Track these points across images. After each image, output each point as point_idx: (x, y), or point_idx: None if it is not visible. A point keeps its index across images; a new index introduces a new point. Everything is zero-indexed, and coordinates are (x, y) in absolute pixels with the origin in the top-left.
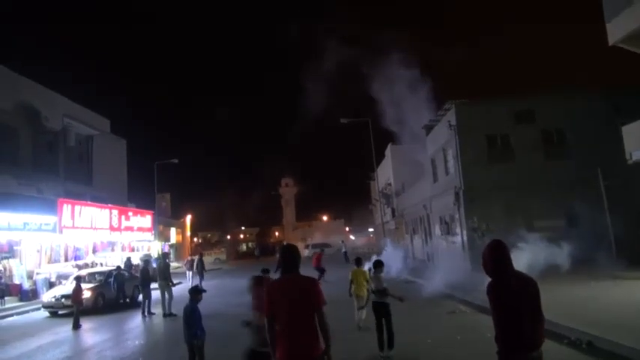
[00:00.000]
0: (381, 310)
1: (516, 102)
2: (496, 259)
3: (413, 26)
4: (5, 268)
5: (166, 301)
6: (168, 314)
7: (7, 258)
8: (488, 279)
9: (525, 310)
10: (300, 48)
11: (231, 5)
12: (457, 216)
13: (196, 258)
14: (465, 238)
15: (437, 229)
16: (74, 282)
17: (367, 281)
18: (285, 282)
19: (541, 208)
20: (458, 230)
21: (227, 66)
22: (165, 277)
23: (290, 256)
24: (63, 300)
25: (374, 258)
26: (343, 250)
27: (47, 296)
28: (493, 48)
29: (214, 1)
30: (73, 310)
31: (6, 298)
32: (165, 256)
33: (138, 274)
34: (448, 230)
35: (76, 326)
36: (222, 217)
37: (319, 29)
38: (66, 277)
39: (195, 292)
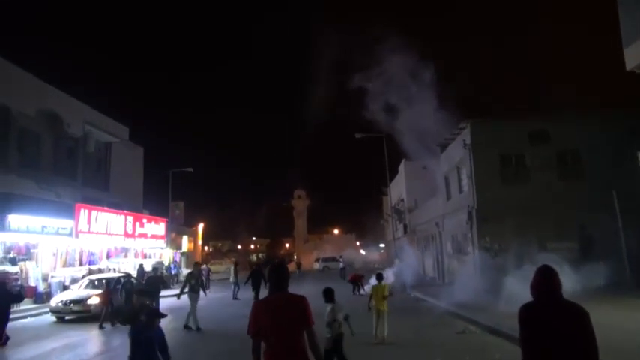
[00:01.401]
0: (336, 346)
1: (531, 122)
2: (542, 284)
3: (431, 42)
4: (22, 270)
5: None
6: (197, 328)
7: (24, 260)
8: (498, 300)
9: (564, 348)
10: (317, 60)
11: (246, 16)
12: (469, 235)
13: (232, 267)
14: (477, 257)
15: (448, 247)
16: (83, 286)
17: (385, 297)
18: (272, 300)
19: (554, 230)
20: (470, 249)
21: (242, 77)
22: (196, 288)
23: (278, 274)
24: (71, 305)
25: (394, 266)
26: (341, 265)
27: (55, 301)
28: (509, 66)
29: (227, 14)
30: (82, 315)
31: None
32: (196, 265)
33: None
34: (460, 249)
35: (113, 324)
36: (233, 227)
37: (336, 40)
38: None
39: (151, 315)
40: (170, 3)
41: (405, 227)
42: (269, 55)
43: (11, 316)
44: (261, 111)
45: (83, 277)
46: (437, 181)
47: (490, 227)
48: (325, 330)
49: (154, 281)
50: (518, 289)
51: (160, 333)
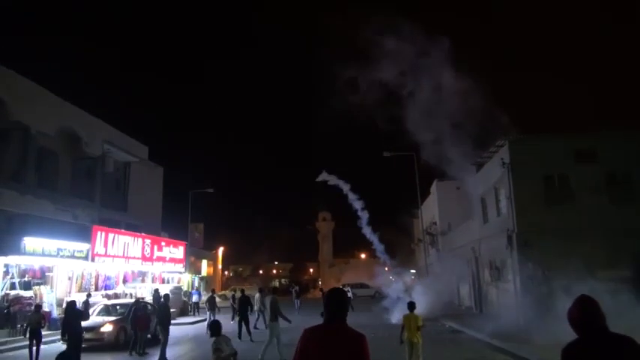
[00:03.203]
0: None
1: (576, 140)
2: (586, 318)
3: (468, 51)
4: (36, 295)
5: (279, 344)
6: None
7: (39, 284)
8: (543, 332)
9: None
10: (344, 76)
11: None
12: (509, 261)
13: (257, 294)
14: (519, 285)
15: (486, 274)
16: (96, 313)
17: (419, 327)
18: (325, 330)
19: (605, 257)
20: (510, 277)
21: (265, 96)
22: (276, 315)
23: (337, 301)
24: (83, 333)
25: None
26: (349, 294)
27: None
28: (552, 81)
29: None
30: (94, 343)
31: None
32: (275, 291)
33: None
34: (499, 276)
35: (142, 353)
36: (254, 251)
37: (370, 52)
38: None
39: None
40: (187, 19)
41: (438, 251)
42: (291, 72)
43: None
44: (284, 131)
45: (83, 303)
46: (472, 202)
47: (532, 253)
48: None
49: (166, 312)
50: (566, 320)
51: None
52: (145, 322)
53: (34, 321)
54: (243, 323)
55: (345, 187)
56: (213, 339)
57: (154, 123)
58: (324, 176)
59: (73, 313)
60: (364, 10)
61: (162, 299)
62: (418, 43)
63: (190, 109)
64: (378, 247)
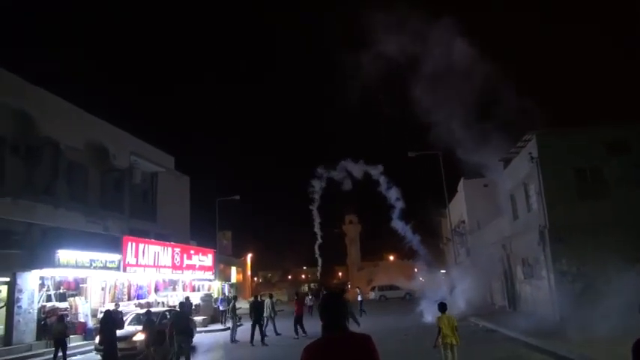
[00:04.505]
0: None
1: (607, 131)
2: None
3: (494, 43)
4: (71, 306)
5: None
6: None
7: (73, 295)
8: (580, 330)
9: None
10: (364, 79)
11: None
12: (542, 257)
13: (267, 300)
14: (553, 282)
15: (519, 272)
16: (128, 322)
17: (456, 328)
18: (329, 342)
19: None
20: (544, 274)
21: (288, 98)
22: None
23: (335, 307)
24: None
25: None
26: (359, 298)
27: (99, 338)
28: (578, 72)
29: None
30: (127, 353)
31: (71, 336)
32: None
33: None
34: (532, 273)
35: None
36: (282, 257)
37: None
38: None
39: None
40: (185, 23)
41: (468, 251)
42: (316, 74)
43: (60, 354)
44: (309, 135)
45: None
46: (501, 199)
47: (566, 248)
48: None
49: (180, 320)
50: (603, 316)
51: None
52: (171, 330)
53: (56, 331)
54: (257, 327)
55: (376, 172)
56: (153, 348)
57: (180, 132)
58: (347, 164)
59: (109, 322)
60: (371, 8)
61: (179, 307)
62: (425, 33)
63: (200, 115)
64: (413, 239)
